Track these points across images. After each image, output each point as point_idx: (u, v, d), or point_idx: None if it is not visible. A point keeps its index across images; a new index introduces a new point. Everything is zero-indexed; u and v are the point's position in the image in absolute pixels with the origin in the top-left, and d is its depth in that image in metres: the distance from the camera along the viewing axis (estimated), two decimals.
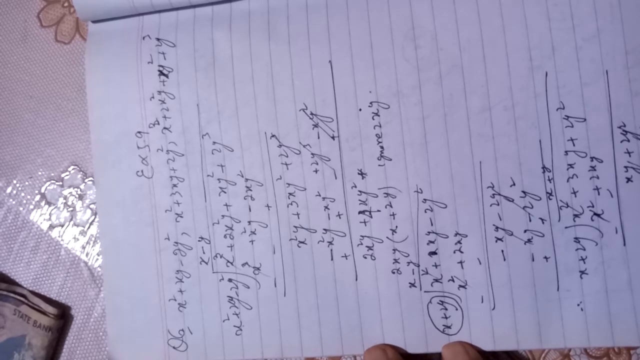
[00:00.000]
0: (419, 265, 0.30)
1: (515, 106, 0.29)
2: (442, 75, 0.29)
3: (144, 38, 0.33)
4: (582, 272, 0.28)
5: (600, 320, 0.28)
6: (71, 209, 0.36)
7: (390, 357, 0.29)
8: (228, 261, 0.32)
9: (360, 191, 0.30)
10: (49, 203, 0.36)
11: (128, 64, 0.33)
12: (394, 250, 0.30)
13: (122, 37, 0.34)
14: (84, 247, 0.35)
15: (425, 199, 0.30)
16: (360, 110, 0.30)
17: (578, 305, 0.28)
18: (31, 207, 0.36)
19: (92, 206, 0.35)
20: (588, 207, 0.28)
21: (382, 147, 0.30)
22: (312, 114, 0.31)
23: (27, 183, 0.37)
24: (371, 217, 0.30)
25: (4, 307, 0.34)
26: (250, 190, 0.32)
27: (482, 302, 0.29)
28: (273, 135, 0.31)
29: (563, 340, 0.28)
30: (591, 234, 0.28)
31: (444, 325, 0.29)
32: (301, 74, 0.31)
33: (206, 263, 0.32)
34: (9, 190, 0.37)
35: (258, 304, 0.32)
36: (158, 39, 0.33)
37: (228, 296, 0.32)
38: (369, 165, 0.30)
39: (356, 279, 0.30)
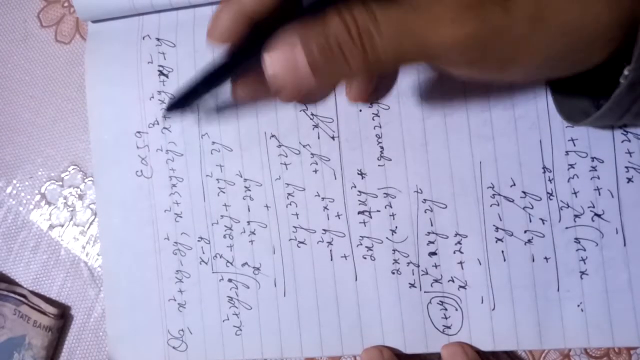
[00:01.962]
0: (418, 266, 0.29)
1: (515, 106, 0.29)
2: (442, 76, 0.29)
3: (144, 38, 0.33)
4: (583, 273, 0.28)
5: (600, 321, 0.27)
6: (71, 208, 0.36)
7: (385, 357, 0.29)
8: (228, 261, 0.32)
9: (359, 191, 0.30)
10: (49, 203, 0.36)
11: (128, 64, 0.33)
12: (394, 250, 0.30)
13: (122, 37, 0.34)
14: (84, 247, 0.35)
15: (425, 199, 0.29)
16: (360, 110, 0.30)
17: (578, 305, 0.28)
18: (31, 207, 0.36)
19: (92, 206, 0.35)
20: (588, 207, 0.28)
21: (382, 148, 0.30)
22: (312, 114, 0.31)
23: (27, 183, 0.37)
24: (371, 217, 0.30)
25: (4, 307, 0.35)
26: (249, 190, 0.32)
27: (482, 302, 0.29)
28: (273, 135, 0.31)
29: (563, 341, 0.28)
30: (591, 235, 0.28)
31: (443, 326, 0.29)
32: None
33: (206, 263, 0.32)
34: (9, 190, 0.37)
35: (258, 304, 0.32)
36: (158, 39, 0.33)
37: (228, 296, 0.32)
38: (368, 166, 0.30)
39: (356, 280, 0.30)
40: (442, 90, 0.29)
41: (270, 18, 0.20)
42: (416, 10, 0.18)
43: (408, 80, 0.30)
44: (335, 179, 0.31)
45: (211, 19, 0.21)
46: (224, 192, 0.32)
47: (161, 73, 0.33)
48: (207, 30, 0.22)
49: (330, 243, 0.31)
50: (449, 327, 0.29)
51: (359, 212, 0.30)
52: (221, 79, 0.22)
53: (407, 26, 0.18)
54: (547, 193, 0.28)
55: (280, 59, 0.19)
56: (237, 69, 0.22)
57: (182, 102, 0.24)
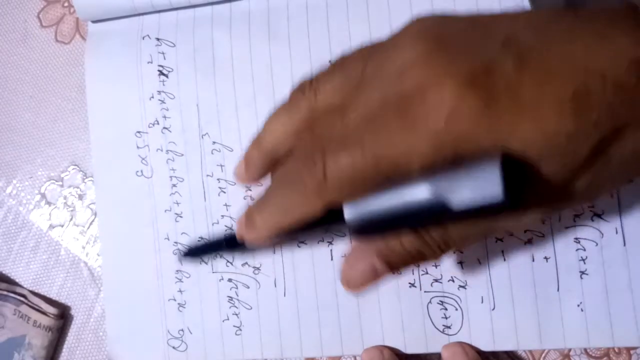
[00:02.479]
0: (418, 265, 0.29)
1: None
2: None
3: (143, 38, 0.33)
4: (582, 273, 0.28)
5: (600, 321, 0.28)
6: (71, 208, 0.36)
7: (386, 357, 0.29)
8: (228, 261, 0.32)
9: None
10: (49, 203, 0.36)
11: (128, 64, 0.33)
12: None
13: (122, 37, 0.34)
14: (84, 247, 0.35)
15: None
16: None
17: (578, 305, 0.28)
18: (31, 207, 0.36)
19: (92, 206, 0.35)
20: (588, 207, 0.28)
21: None
22: None
23: (27, 183, 0.37)
24: None
25: (4, 307, 0.34)
26: (250, 190, 0.32)
27: (482, 302, 0.29)
28: None
29: (563, 341, 0.28)
30: (591, 234, 0.28)
31: (443, 326, 0.29)
32: (301, 74, 0.31)
33: (206, 263, 0.32)
34: (9, 190, 0.37)
35: (258, 304, 0.32)
36: (158, 39, 0.33)
37: (228, 296, 0.32)
38: None
39: None
40: None
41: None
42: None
43: None
44: None
45: (246, 218, 0.23)
46: (224, 192, 0.32)
47: (161, 73, 0.33)
48: (241, 230, 0.23)
49: (330, 243, 0.31)
50: (449, 327, 0.29)
51: None
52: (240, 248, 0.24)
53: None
54: None
55: (360, 269, 0.21)
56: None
57: (199, 253, 0.26)
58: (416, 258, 0.20)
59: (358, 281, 0.21)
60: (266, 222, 0.21)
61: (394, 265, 0.20)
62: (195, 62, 0.33)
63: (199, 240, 0.26)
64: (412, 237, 0.19)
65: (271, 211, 0.21)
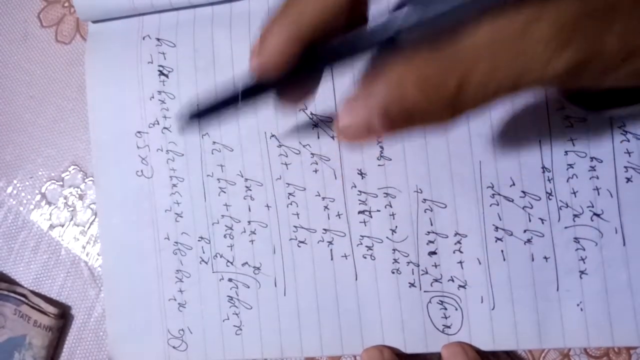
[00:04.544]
0: (418, 265, 0.30)
1: (515, 106, 0.29)
2: None
3: (144, 38, 0.33)
4: (582, 272, 0.28)
5: (600, 320, 0.28)
6: (71, 208, 0.36)
7: (386, 357, 0.29)
8: (228, 261, 0.32)
9: (360, 191, 0.30)
10: (49, 203, 0.36)
11: (128, 64, 0.34)
12: (394, 250, 0.30)
13: (122, 37, 0.34)
14: (84, 247, 0.35)
15: (425, 199, 0.30)
16: None
17: (578, 305, 0.28)
18: (31, 207, 0.36)
19: (92, 206, 0.35)
20: (588, 207, 0.28)
21: (381, 147, 0.30)
22: (312, 113, 0.31)
23: (27, 183, 0.37)
24: (371, 217, 0.30)
25: (5, 307, 0.35)
26: (250, 190, 0.32)
27: (482, 302, 0.29)
28: (273, 135, 0.31)
29: (563, 340, 0.28)
30: (591, 234, 0.28)
31: (443, 325, 0.29)
32: None
33: (206, 263, 0.32)
34: (9, 190, 0.37)
35: (258, 303, 0.32)
36: (158, 39, 0.33)
37: (228, 296, 0.32)
38: (368, 165, 0.30)
39: (356, 279, 0.30)
40: None
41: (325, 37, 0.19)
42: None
43: None
44: (336, 178, 0.31)
45: (259, 38, 0.19)
46: (224, 192, 0.32)
47: (161, 73, 0.33)
48: (253, 51, 0.20)
49: (330, 243, 0.31)
50: (448, 327, 0.29)
51: (359, 212, 0.30)
52: (260, 95, 0.22)
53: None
54: (547, 193, 0.28)
55: (356, 115, 0.18)
56: (279, 87, 0.21)
57: (207, 114, 0.23)
58: (420, 112, 0.17)
59: (353, 133, 0.19)
60: (280, 28, 0.19)
61: (393, 117, 0.18)
62: (196, 62, 0.33)
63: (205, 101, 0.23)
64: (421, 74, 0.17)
65: (281, 21, 0.19)
